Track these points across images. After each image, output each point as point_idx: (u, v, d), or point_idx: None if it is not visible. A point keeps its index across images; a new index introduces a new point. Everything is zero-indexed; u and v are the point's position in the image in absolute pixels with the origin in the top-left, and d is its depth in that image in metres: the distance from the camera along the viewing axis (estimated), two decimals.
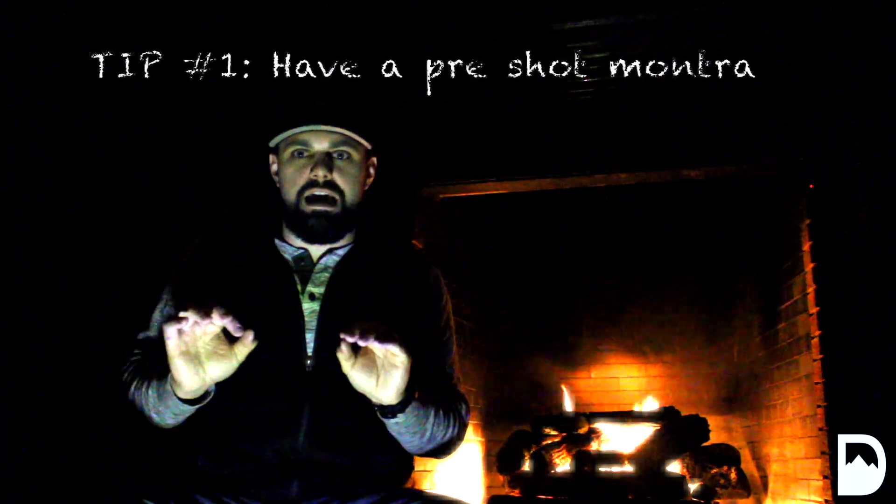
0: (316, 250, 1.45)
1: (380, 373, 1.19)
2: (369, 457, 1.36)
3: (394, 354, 1.17)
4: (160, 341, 1.20)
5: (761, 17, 2.53)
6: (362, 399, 1.29)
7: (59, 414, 2.40)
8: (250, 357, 1.23)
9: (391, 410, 1.24)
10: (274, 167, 1.51)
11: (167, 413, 1.29)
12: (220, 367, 1.19)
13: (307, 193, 1.40)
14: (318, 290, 1.40)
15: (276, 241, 1.47)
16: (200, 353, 1.18)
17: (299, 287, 1.40)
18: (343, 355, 1.18)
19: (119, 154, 2.71)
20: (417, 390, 1.26)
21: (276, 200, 1.51)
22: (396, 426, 1.28)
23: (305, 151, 1.42)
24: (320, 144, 1.41)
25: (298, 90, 2.60)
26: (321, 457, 1.32)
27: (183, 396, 1.23)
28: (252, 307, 1.27)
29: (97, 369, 1.94)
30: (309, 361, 1.35)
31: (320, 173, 1.39)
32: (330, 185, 1.40)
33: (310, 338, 1.36)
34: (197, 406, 1.27)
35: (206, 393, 1.26)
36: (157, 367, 1.30)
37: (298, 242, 1.46)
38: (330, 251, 1.45)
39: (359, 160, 1.45)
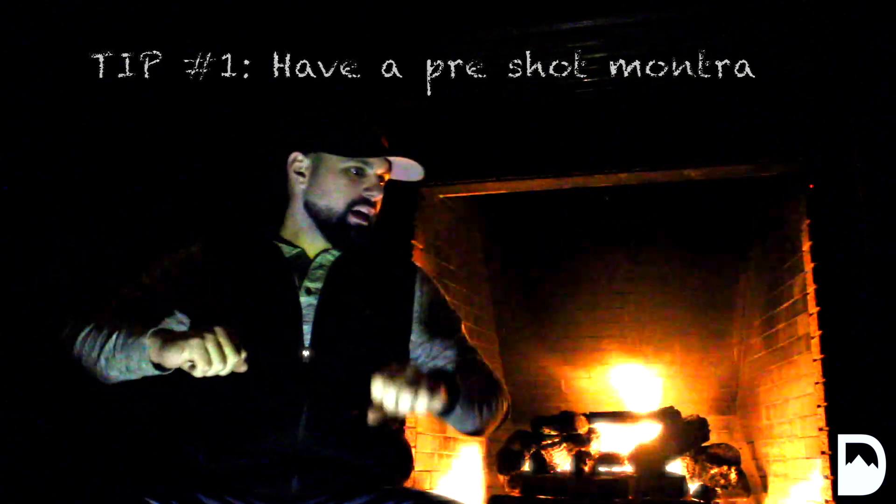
0: (312, 250, 1.53)
1: (420, 405, 1.22)
2: (368, 455, 1.38)
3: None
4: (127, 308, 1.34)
5: (761, 17, 2.53)
6: (361, 396, 1.32)
7: (58, 413, 2.39)
8: (250, 349, 1.29)
9: (447, 409, 1.30)
10: (299, 165, 1.56)
11: (120, 365, 1.30)
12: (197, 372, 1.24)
13: (357, 208, 1.51)
14: (315, 286, 1.47)
15: (274, 242, 1.54)
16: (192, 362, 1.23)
17: (297, 283, 1.47)
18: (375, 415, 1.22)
19: (119, 154, 2.70)
20: (458, 379, 1.33)
21: (280, 200, 1.57)
22: (458, 414, 1.33)
23: (365, 171, 1.52)
24: (379, 170, 1.54)
25: (294, 88, 2.60)
26: (321, 452, 1.33)
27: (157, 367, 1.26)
28: (251, 301, 1.37)
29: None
30: (306, 353, 1.40)
31: (377, 196, 1.53)
32: (375, 205, 1.54)
33: (307, 330, 1.42)
34: (159, 374, 1.28)
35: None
36: (127, 321, 1.33)
37: (295, 241, 1.53)
38: (326, 250, 1.53)
39: (385, 184, 1.58)
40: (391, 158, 1.55)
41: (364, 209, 1.51)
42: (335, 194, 1.51)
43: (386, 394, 1.18)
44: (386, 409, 1.19)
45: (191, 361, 1.20)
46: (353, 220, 1.50)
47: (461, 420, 1.36)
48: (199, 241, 1.56)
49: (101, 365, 1.32)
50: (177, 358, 1.21)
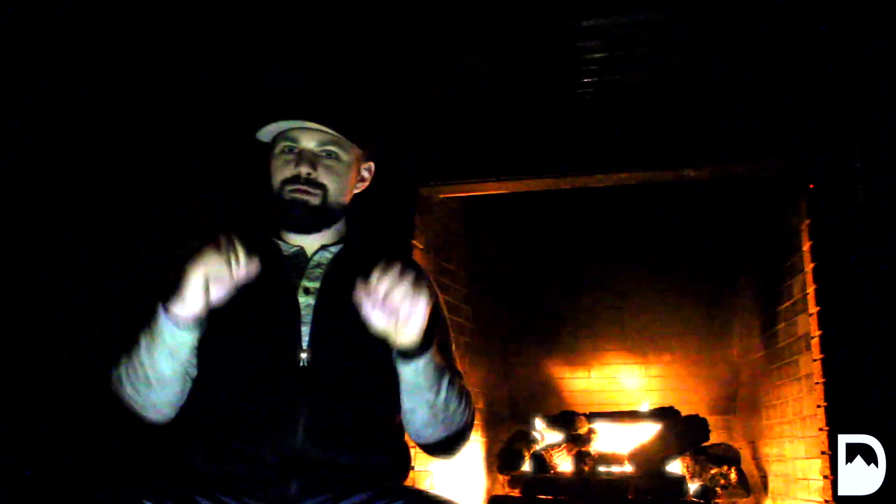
0: (310, 247, 1.50)
1: (401, 313, 1.22)
2: (367, 455, 1.37)
3: (416, 289, 1.22)
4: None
5: (761, 17, 2.53)
6: (359, 396, 1.35)
7: (58, 414, 2.40)
8: (247, 347, 1.31)
9: (413, 352, 1.27)
10: (271, 154, 1.54)
11: (161, 356, 1.27)
12: (222, 291, 1.25)
13: (289, 186, 1.46)
14: (313, 285, 1.45)
15: (273, 239, 1.52)
16: (210, 278, 1.24)
17: (295, 282, 1.45)
18: (365, 301, 1.22)
19: (119, 154, 2.71)
20: (435, 340, 1.30)
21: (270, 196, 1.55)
22: (415, 374, 1.30)
23: (294, 148, 1.47)
24: (308, 143, 1.47)
25: (293, 87, 2.60)
26: (320, 455, 1.32)
27: (181, 314, 1.24)
28: (249, 300, 1.33)
29: (97, 369, 1.94)
30: (304, 354, 1.38)
31: (303, 170, 1.45)
32: (311, 182, 1.46)
33: (305, 331, 1.39)
34: (192, 335, 1.26)
35: (200, 323, 1.27)
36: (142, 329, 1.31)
37: (292, 240, 1.51)
38: (323, 248, 1.51)
39: (348, 161, 1.51)
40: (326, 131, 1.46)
41: (296, 186, 1.44)
42: (273, 176, 1.48)
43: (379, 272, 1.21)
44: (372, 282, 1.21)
45: (205, 269, 1.22)
46: (287, 195, 1.45)
47: (420, 383, 1.31)
48: (196, 242, 1.55)
49: (149, 375, 1.29)
50: (193, 281, 1.22)
